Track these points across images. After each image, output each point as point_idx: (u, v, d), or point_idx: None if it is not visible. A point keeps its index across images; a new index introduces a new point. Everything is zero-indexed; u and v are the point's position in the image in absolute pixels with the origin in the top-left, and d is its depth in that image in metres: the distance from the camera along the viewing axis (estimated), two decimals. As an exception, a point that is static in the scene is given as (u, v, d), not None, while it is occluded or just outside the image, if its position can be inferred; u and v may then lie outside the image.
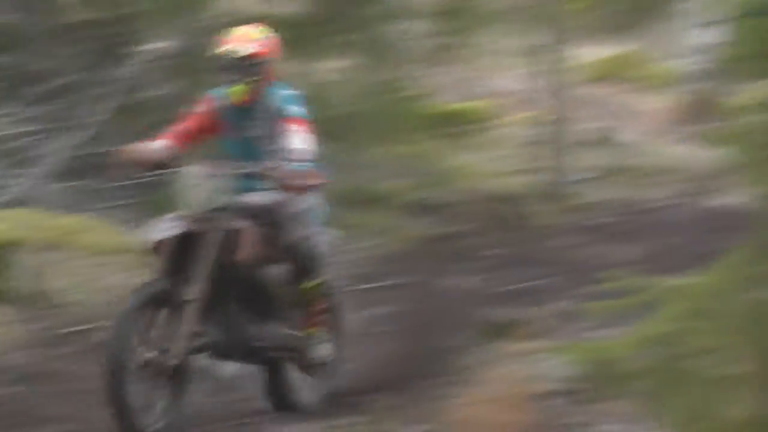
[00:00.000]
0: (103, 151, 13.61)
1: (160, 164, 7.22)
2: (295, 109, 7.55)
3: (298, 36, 16.59)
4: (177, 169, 7.31)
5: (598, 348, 6.61)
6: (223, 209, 7.13)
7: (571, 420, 8.18)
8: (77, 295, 11.20)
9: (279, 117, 7.54)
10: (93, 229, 12.09)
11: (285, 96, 7.65)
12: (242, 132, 7.63)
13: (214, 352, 7.95)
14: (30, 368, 9.74)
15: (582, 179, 20.96)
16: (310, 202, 8.12)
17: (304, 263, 7.66)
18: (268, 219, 7.62)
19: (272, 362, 8.42)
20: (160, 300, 6.82)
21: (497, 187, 17.59)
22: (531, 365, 8.84)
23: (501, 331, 10.60)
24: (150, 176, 15.09)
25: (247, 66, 7.15)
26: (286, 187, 7.33)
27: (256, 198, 7.63)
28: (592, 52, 28.73)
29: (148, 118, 14.56)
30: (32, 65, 15.23)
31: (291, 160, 7.28)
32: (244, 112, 7.51)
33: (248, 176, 7.82)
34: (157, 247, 7.36)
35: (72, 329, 10.71)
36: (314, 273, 7.75)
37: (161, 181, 14.97)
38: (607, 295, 5.95)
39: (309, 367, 8.61)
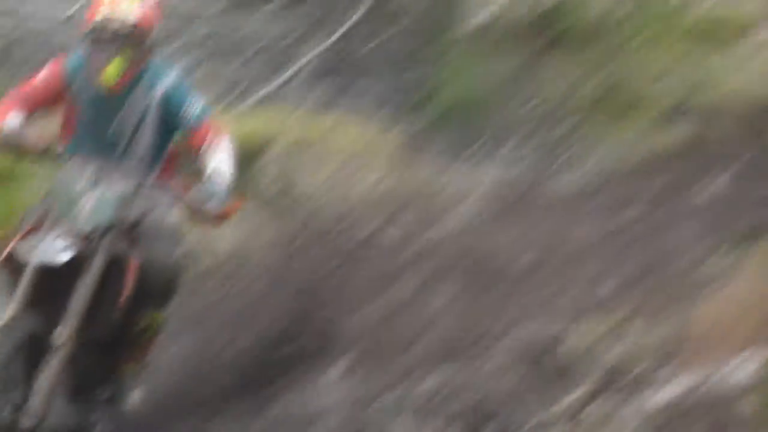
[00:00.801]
0: (357, 52, 14.13)
1: (43, 151, 5.56)
2: (195, 106, 5.98)
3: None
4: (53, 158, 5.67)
5: None
6: (107, 228, 5.54)
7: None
8: (329, 193, 11.34)
9: (168, 118, 5.95)
10: (349, 128, 12.25)
11: (173, 83, 6.01)
12: (102, 122, 5.86)
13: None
14: (275, 267, 10.16)
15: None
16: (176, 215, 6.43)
17: (163, 290, 6.05)
18: (138, 237, 6.06)
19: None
20: (26, 344, 5.31)
21: (758, 96, 14.89)
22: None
23: (753, 237, 9.61)
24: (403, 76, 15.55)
25: (126, 39, 5.46)
26: (201, 218, 5.87)
27: (137, 212, 5.96)
28: None
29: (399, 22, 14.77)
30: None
31: (211, 184, 5.70)
32: (110, 97, 5.77)
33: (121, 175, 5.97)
34: (22, 267, 5.42)
35: (319, 228, 10.85)
36: (168, 302, 6.17)
37: (417, 80, 15.29)
38: None
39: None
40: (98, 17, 5.21)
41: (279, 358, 8.31)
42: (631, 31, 15.47)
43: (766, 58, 14.47)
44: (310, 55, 13.31)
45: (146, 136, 5.74)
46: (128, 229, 5.57)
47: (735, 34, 16.30)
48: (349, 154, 11.64)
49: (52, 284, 4.86)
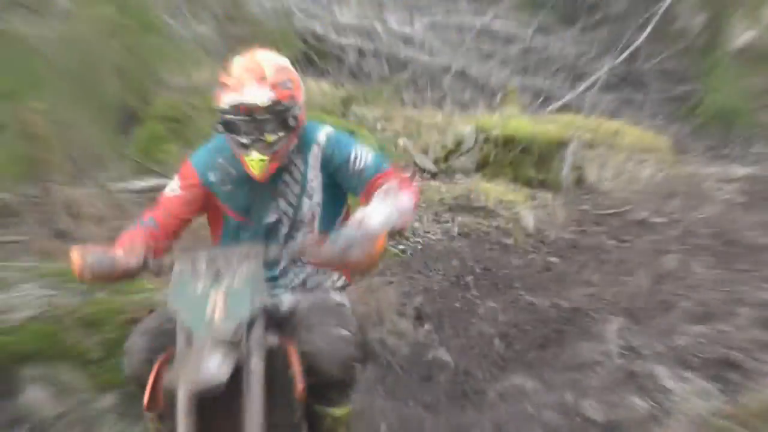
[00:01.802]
0: (639, 69, 14.32)
1: (139, 272, 4.02)
2: (364, 158, 4.26)
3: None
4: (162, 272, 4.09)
5: None
6: (251, 322, 3.86)
7: None
8: (612, 184, 11.42)
9: (335, 180, 4.34)
10: (629, 131, 12.19)
11: (327, 138, 4.33)
12: (257, 210, 4.38)
13: None
14: (567, 242, 10.15)
15: None
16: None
17: (338, 381, 4.25)
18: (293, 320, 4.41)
19: None
20: None
21: None
22: None
23: None
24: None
25: (269, 121, 3.95)
26: (340, 268, 4.32)
27: (286, 298, 4.45)
28: None
29: (678, 44, 14.89)
30: None
31: (346, 229, 3.90)
32: (262, 186, 4.23)
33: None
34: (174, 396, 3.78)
35: (605, 212, 10.91)
36: (348, 394, 4.39)
37: (687, 92, 15.47)
38: None
39: None
40: (226, 101, 3.75)
41: (567, 316, 8.29)
42: None
43: None
44: (601, 71, 13.47)
45: (313, 208, 4.23)
46: (276, 313, 4.13)
47: None
48: (629, 153, 11.83)
49: (214, 410, 3.55)
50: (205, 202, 4.35)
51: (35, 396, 5.96)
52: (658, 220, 10.78)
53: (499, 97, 12.48)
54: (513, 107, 12.17)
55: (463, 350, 7.80)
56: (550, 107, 12.60)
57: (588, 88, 13.27)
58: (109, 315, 6.56)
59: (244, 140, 3.92)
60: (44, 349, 6.17)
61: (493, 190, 10.44)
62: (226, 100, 3.90)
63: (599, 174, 11.38)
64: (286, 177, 4.21)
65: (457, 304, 8.53)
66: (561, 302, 8.54)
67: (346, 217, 4.42)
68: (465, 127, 11.20)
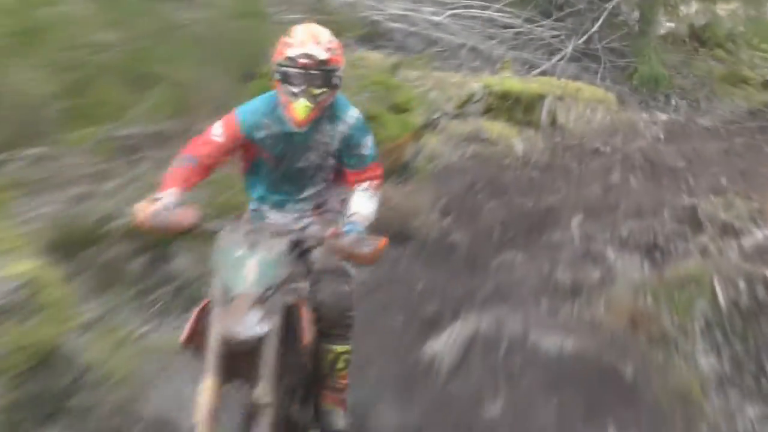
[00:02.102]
0: (594, 48, 14.03)
1: (193, 227, 3.66)
2: (368, 148, 4.02)
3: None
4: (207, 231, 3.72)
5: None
6: (276, 286, 3.54)
7: None
8: (574, 124, 11.33)
9: (346, 151, 4.00)
10: (586, 89, 12.11)
11: (355, 122, 4.01)
12: (287, 158, 4.02)
13: None
14: (544, 163, 10.12)
15: None
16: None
17: (340, 325, 4.07)
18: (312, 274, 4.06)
19: None
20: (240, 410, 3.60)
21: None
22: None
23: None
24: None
25: (319, 77, 3.67)
26: (351, 258, 3.79)
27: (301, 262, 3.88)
28: None
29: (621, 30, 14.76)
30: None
31: (354, 226, 3.81)
32: (297, 133, 3.87)
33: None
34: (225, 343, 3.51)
35: (570, 143, 10.92)
36: (347, 335, 4.12)
37: (628, 64, 15.17)
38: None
39: None
40: (289, 53, 3.50)
41: (544, 212, 8.38)
42: (743, 40, 15.19)
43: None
44: (568, 48, 13.28)
45: (327, 170, 3.95)
46: (295, 279, 3.67)
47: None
48: (586, 103, 11.62)
49: (238, 351, 3.30)
50: (243, 148, 3.93)
51: (182, 262, 6.01)
52: (606, 149, 10.74)
53: (498, 65, 12.45)
54: (508, 72, 12.12)
55: (474, 235, 7.90)
56: (533, 73, 12.53)
57: (559, 60, 13.18)
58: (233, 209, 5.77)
59: (295, 89, 3.59)
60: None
61: (494, 128, 10.38)
62: (288, 53, 3.58)
63: (566, 117, 11.29)
64: (317, 137, 3.83)
65: (470, 204, 8.58)
66: (540, 203, 8.64)
67: (336, 178, 4.05)
68: (475, 85, 11.13)
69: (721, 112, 13.03)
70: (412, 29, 12.42)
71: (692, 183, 9.31)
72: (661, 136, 11.55)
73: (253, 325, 3.23)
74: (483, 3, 13.48)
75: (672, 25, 14.98)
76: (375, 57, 10.75)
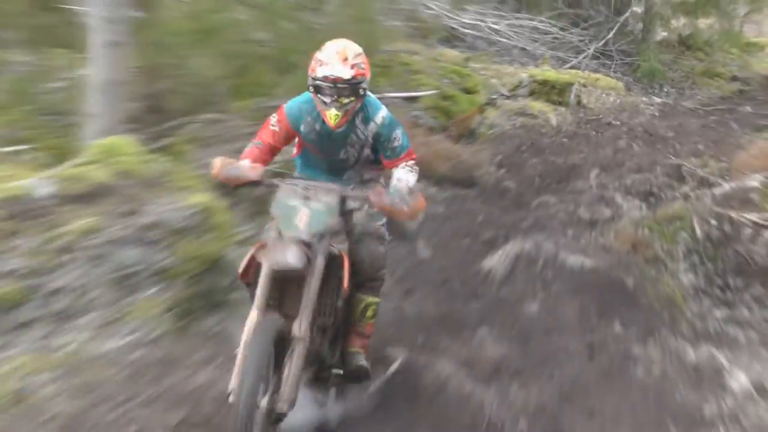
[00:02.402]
0: (609, 49, 13.59)
1: (254, 183, 3.44)
2: (400, 139, 3.60)
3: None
4: (271, 186, 3.42)
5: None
6: (322, 235, 3.25)
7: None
8: (594, 104, 10.91)
9: (380, 145, 3.62)
10: (603, 79, 11.63)
11: (383, 120, 3.57)
12: (326, 152, 3.66)
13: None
14: (571, 132, 9.81)
15: None
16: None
17: (373, 278, 3.67)
18: (354, 234, 3.73)
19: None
20: (276, 341, 3.14)
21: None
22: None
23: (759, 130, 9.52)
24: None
25: (346, 89, 3.30)
26: (395, 216, 3.50)
27: (345, 218, 3.60)
28: None
29: (629, 37, 14.25)
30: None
31: (397, 190, 3.43)
32: (333, 134, 3.51)
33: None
34: (260, 273, 3.25)
35: (592, 117, 10.54)
36: (378, 288, 3.74)
37: (633, 61, 14.19)
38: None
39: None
40: (319, 73, 3.13)
41: (571, 167, 8.18)
42: (717, 45, 14.45)
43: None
44: (590, 49, 12.91)
45: (363, 162, 3.55)
46: (341, 233, 3.46)
47: (761, 48, 15.21)
48: (603, 89, 11.28)
49: (285, 286, 3.10)
50: (294, 136, 3.59)
51: None
52: (616, 122, 10.36)
53: (539, 61, 12.14)
54: (546, 66, 11.78)
55: (520, 182, 7.78)
56: (565, 67, 12.20)
57: (583, 58, 12.83)
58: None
59: (327, 100, 3.23)
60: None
61: (536, 106, 10.14)
62: (319, 71, 3.21)
63: (588, 99, 10.96)
64: (353, 135, 3.45)
65: (518, 160, 8.41)
66: (567, 161, 8.39)
67: (380, 168, 3.68)
68: (523, 74, 10.93)
69: (700, 97, 12.56)
70: (479, 34, 12.17)
71: (678, 148, 8.96)
72: (656, 114, 11.11)
73: (297, 257, 2.92)
74: (529, 15, 13.16)
75: (665, 33, 14.43)
76: (452, 53, 10.60)
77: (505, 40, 12.27)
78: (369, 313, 3.55)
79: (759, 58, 14.72)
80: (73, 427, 3.22)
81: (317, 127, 3.41)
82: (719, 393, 3.96)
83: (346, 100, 3.24)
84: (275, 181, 3.22)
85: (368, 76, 3.30)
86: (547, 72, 11.21)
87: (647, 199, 6.95)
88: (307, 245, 2.97)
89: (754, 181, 6.12)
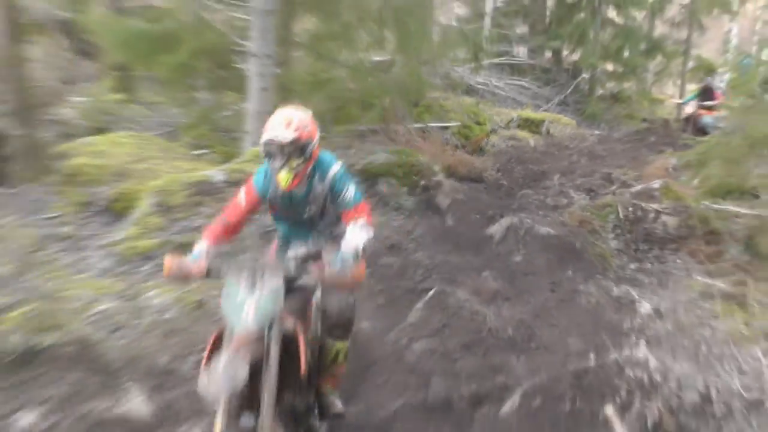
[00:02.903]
0: (567, 99, 12.38)
1: (203, 276, 2.14)
2: (351, 193, 2.41)
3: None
4: (221, 278, 2.10)
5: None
6: (271, 321, 2.01)
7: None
8: (558, 134, 10.20)
9: (333, 199, 2.45)
10: (563, 119, 10.97)
11: (335, 175, 2.42)
12: (291, 211, 2.49)
13: None
14: (543, 150, 9.21)
15: None
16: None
17: (342, 326, 2.48)
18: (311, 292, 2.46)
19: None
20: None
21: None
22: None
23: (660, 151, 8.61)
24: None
25: (292, 151, 2.27)
26: (333, 286, 2.36)
27: (304, 279, 2.21)
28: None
29: (581, 93, 12.93)
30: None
31: (345, 255, 2.21)
32: (294, 195, 2.42)
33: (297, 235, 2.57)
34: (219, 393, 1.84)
35: (556, 142, 9.78)
36: (347, 334, 2.51)
37: (583, 107, 13.13)
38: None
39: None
40: (265, 137, 2.29)
41: (542, 172, 7.70)
42: (635, 99, 13.46)
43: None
44: (555, 100, 12.25)
45: (331, 217, 2.52)
46: (293, 309, 2.28)
47: (661, 101, 14.19)
48: (563, 125, 10.69)
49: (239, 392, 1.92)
50: (258, 207, 2.49)
51: (381, 188, 5.59)
52: (571, 146, 9.87)
53: (524, 106, 11.65)
54: (528, 109, 11.33)
55: (510, 181, 7.44)
56: (540, 110, 11.67)
57: (551, 104, 12.22)
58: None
59: (277, 163, 2.27)
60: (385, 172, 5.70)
61: (522, 134, 9.82)
62: (264, 136, 2.26)
63: (554, 130, 10.47)
64: (312, 193, 2.39)
65: (509, 167, 8.05)
66: (540, 168, 7.98)
67: (338, 221, 2.45)
68: (513, 114, 10.54)
69: (623, 131, 11.74)
70: (487, 88, 11.82)
71: (608, 162, 8.47)
72: (596, 141, 10.45)
73: (240, 378, 1.83)
74: (518, 77, 12.75)
75: (602, 91, 13.61)
76: (469, 100, 10.31)
77: (503, 92, 11.93)
78: (340, 358, 2.50)
79: (660, 107, 13.98)
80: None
81: (279, 191, 2.40)
82: (632, 315, 3.87)
83: (294, 162, 2.29)
84: (222, 270, 2.12)
85: (315, 138, 2.34)
86: (529, 113, 10.86)
87: (589, 193, 6.60)
88: (257, 339, 1.96)
89: (655, 184, 5.99)
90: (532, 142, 9.50)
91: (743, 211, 4.83)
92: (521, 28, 13.91)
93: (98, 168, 4.64)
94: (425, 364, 3.15)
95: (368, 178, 5.46)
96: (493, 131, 9.48)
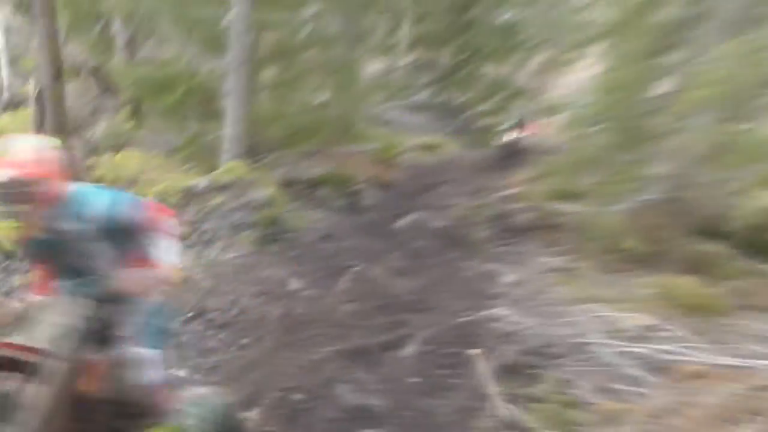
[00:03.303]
0: (452, 127, 11.36)
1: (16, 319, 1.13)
2: (134, 211, 1.39)
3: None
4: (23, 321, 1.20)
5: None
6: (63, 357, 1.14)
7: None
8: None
9: (118, 230, 1.35)
10: (446, 143, 10.25)
11: (104, 209, 1.31)
12: (58, 261, 1.38)
13: None
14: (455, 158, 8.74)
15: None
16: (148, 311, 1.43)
17: (138, 413, 1.23)
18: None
19: None
20: None
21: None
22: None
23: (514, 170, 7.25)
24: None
25: (12, 195, 1.16)
26: (129, 294, 1.37)
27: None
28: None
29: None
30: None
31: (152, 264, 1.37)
32: (46, 242, 1.27)
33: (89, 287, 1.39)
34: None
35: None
36: (146, 421, 1.24)
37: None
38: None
39: None
40: None
41: (435, 183, 7.18)
42: None
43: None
44: (447, 129, 11.83)
45: (102, 253, 1.41)
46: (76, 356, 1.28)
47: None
48: (445, 146, 9.80)
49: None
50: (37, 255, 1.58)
51: (320, 193, 5.61)
52: (458, 163, 9.15)
53: (425, 133, 10.36)
54: (428, 137, 9.95)
55: (414, 188, 6.99)
56: (436, 136, 10.71)
57: (444, 133, 11.36)
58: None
59: (2, 209, 1.38)
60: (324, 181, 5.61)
61: (423, 154, 9.25)
62: None
63: (446, 152, 9.72)
64: (70, 237, 1.48)
65: (413, 178, 7.49)
66: (435, 180, 7.59)
67: (131, 254, 1.56)
68: (417, 140, 9.51)
69: (494, 153, 10.04)
70: (398, 120, 11.23)
71: (483, 175, 7.91)
72: (476, 160, 9.38)
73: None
74: (421, 113, 12.41)
75: (480, 123, 12.49)
76: (385, 129, 9.66)
77: (410, 124, 11.43)
78: None
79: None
80: (217, 292, 3.26)
81: (35, 239, 1.52)
82: (498, 284, 3.94)
83: (22, 207, 1.40)
84: (23, 313, 1.43)
85: (48, 176, 1.42)
86: (428, 139, 10.34)
87: (469, 196, 6.50)
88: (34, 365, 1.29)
89: (515, 190, 6.08)
90: (430, 161, 9.43)
91: (574, 209, 4.98)
92: (425, 77, 13.96)
93: (115, 176, 4.81)
94: (349, 320, 3.25)
95: (312, 185, 5.67)
96: (403, 152, 9.33)
